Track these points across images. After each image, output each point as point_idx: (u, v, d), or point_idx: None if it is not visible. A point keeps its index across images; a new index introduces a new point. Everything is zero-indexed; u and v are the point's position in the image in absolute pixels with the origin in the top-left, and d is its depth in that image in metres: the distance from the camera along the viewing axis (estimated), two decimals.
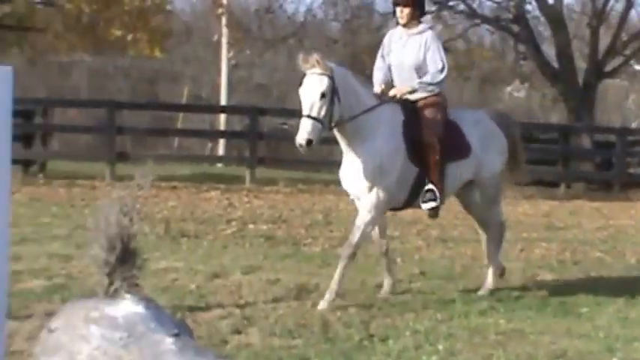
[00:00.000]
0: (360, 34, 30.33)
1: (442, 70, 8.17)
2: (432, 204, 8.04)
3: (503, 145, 8.67)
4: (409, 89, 8.17)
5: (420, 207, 8.18)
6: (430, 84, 8.15)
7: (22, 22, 23.46)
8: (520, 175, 9.25)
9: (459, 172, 8.29)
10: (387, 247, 8.43)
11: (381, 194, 7.88)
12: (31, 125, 19.55)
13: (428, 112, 8.15)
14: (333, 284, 7.64)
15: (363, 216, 7.89)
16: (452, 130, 8.24)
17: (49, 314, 5.74)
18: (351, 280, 8.33)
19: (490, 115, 8.95)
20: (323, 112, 7.63)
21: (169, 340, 3.86)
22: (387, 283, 8.31)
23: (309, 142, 7.50)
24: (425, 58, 8.19)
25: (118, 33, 22.17)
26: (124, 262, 4.30)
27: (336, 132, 7.89)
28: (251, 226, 12.40)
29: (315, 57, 7.68)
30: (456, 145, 8.22)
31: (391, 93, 8.23)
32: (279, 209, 14.62)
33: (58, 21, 22.69)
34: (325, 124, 7.66)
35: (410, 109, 8.15)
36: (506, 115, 9.53)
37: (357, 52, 29.94)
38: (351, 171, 7.94)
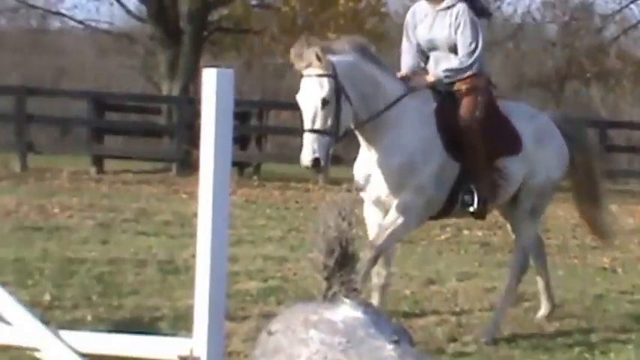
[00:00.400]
0: (579, 37, 29.52)
1: (474, 52, 6.80)
2: (470, 208, 6.69)
3: (564, 149, 7.25)
4: (438, 78, 6.84)
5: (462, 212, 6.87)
6: (459, 70, 6.80)
7: (239, 24, 24.09)
8: (595, 209, 7.60)
9: (512, 169, 6.90)
10: (387, 281, 6.80)
11: (413, 195, 6.52)
12: (247, 127, 20.02)
13: (465, 96, 6.81)
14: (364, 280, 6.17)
15: (392, 217, 6.54)
16: (498, 118, 6.92)
17: (265, 316, 5.84)
18: (569, 290, 8.07)
19: (552, 116, 7.53)
20: (329, 123, 6.29)
21: (389, 347, 3.80)
22: None
23: (315, 162, 6.19)
24: (456, 37, 6.85)
25: (333, 35, 22.43)
26: (343, 266, 4.28)
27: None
28: (466, 232, 12.27)
29: (312, 51, 6.26)
30: (503, 136, 6.88)
31: (422, 79, 6.91)
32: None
33: (274, 23, 23.14)
34: (334, 135, 6.31)
35: (444, 94, 6.84)
36: (577, 121, 7.89)
37: (576, 55, 29.23)
38: (372, 170, 6.59)
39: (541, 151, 7.06)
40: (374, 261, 6.47)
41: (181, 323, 6.16)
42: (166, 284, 7.96)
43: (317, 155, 6.16)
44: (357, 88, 6.42)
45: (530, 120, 7.13)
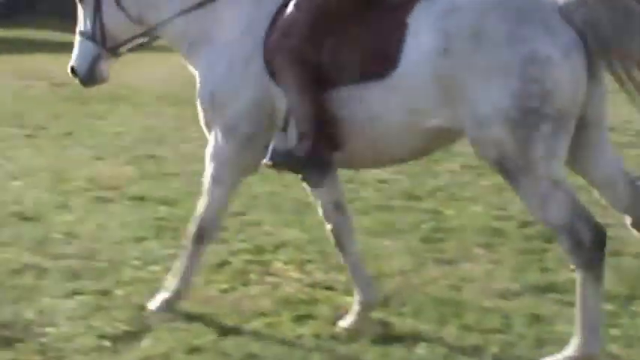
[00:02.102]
0: None
1: None
2: (267, 160, 4.59)
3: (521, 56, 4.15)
4: None
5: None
6: None
7: None
8: None
9: (370, 104, 4.45)
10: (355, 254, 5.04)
11: (221, 137, 4.79)
12: None
13: None
14: (173, 278, 4.96)
15: (206, 172, 4.88)
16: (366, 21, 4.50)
17: None
18: None
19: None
20: (89, 24, 5.06)
21: None
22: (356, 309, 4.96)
23: (71, 70, 5.11)
24: None
25: None
26: None
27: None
28: None
29: None
30: (361, 55, 4.46)
31: None
32: None
33: None
34: (99, 41, 5.05)
35: None
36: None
37: None
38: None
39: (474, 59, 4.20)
40: (198, 241, 4.89)
41: None
42: None
43: (72, 63, 5.09)
44: None
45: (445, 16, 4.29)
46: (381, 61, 4.33)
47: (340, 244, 4.95)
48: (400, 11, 4.34)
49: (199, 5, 4.86)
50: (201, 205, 4.84)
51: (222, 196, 4.81)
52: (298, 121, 4.48)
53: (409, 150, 4.52)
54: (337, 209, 4.94)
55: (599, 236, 4.11)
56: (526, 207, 4.31)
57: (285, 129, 4.57)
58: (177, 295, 4.90)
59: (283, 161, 4.53)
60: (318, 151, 4.45)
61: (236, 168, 4.77)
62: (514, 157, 4.12)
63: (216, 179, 4.77)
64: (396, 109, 4.33)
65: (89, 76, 5.07)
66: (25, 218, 6.82)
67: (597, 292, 4.13)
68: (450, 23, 4.21)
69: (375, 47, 4.35)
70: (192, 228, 4.84)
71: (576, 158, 4.33)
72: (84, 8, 5.05)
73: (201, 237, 4.83)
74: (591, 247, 4.09)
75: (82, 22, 5.06)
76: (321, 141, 4.45)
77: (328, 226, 4.96)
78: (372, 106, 4.38)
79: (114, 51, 5.10)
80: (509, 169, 4.16)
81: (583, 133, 4.26)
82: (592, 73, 4.17)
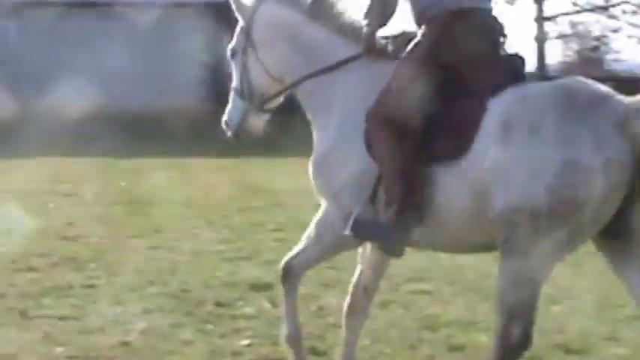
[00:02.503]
0: None
1: None
2: (348, 230, 4.58)
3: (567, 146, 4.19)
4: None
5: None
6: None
7: None
8: None
9: (446, 185, 4.44)
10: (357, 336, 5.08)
11: (330, 205, 4.78)
12: None
13: (397, 65, 4.68)
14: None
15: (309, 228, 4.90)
16: (451, 101, 4.48)
17: None
18: None
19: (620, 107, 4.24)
20: (239, 80, 5.20)
21: None
22: None
23: (225, 124, 5.22)
24: None
25: None
26: None
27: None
28: None
29: None
30: (443, 134, 4.46)
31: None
32: None
33: None
34: (247, 97, 5.16)
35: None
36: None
37: None
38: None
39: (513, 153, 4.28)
40: (285, 283, 4.96)
41: None
42: None
43: (225, 117, 5.24)
44: (275, 45, 5.10)
45: (519, 103, 4.34)
46: (456, 142, 4.39)
47: (350, 318, 5.03)
48: (485, 96, 4.40)
49: (322, 71, 4.94)
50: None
51: (320, 255, 4.91)
52: (387, 188, 4.52)
53: (480, 237, 4.46)
54: (367, 291, 5.03)
55: (525, 342, 4.29)
56: (499, 279, 4.36)
57: (372, 199, 4.60)
58: None
59: (366, 230, 4.58)
60: (403, 219, 4.47)
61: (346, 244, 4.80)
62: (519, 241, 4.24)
63: (316, 238, 4.82)
64: (464, 194, 4.40)
65: (238, 130, 5.19)
66: (568, 350, 5.99)
67: None
68: (512, 113, 4.31)
69: (456, 128, 4.40)
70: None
71: (617, 266, 4.39)
72: (235, 66, 5.24)
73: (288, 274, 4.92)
74: (516, 345, 4.29)
75: (235, 79, 5.24)
76: (406, 210, 4.46)
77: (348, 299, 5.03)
78: (445, 188, 4.44)
79: (261, 107, 5.20)
80: (508, 247, 4.28)
81: (623, 243, 4.30)
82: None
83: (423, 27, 4.65)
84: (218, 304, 6.65)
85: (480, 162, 4.33)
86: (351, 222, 4.58)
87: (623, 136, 4.14)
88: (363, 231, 4.60)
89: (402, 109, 4.50)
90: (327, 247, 4.88)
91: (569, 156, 4.14)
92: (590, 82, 4.36)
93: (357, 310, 5.06)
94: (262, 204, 11.03)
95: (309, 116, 5.07)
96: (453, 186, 4.42)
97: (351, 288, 5.07)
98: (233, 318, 6.36)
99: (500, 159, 4.27)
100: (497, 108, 4.35)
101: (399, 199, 4.48)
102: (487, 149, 4.31)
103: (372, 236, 4.65)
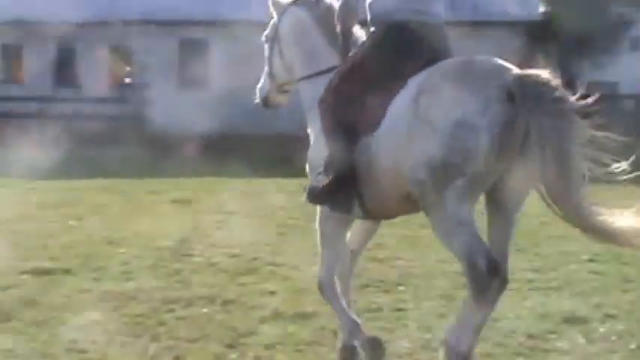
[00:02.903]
0: None
1: None
2: (304, 199, 5.57)
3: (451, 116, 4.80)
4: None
5: None
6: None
7: None
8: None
9: (372, 152, 5.20)
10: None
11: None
12: None
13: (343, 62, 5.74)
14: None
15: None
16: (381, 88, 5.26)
17: None
18: None
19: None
20: (267, 63, 6.37)
21: None
22: None
23: (256, 93, 6.48)
24: None
25: None
26: None
27: None
28: None
29: None
30: (372, 110, 5.28)
31: None
32: None
33: None
34: (271, 78, 6.35)
35: None
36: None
37: None
38: None
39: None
40: (324, 297, 5.87)
41: None
42: None
43: (257, 88, 6.44)
44: (291, 44, 6.14)
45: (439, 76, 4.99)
46: (380, 113, 5.14)
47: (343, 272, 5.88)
48: (407, 78, 5.13)
49: (314, 75, 5.87)
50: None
51: (331, 255, 5.71)
52: (330, 160, 5.38)
53: (404, 198, 5.10)
54: (354, 253, 5.95)
55: (494, 269, 4.81)
56: (436, 234, 5.01)
57: (324, 172, 5.45)
58: None
59: (317, 197, 5.42)
60: (336, 186, 5.29)
61: (331, 221, 5.63)
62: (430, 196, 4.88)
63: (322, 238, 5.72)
64: (386, 158, 5.11)
65: (263, 102, 6.44)
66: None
67: (485, 316, 5.00)
68: (423, 82, 4.99)
69: (380, 104, 5.15)
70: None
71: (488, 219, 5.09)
72: (266, 51, 6.33)
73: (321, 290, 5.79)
74: (486, 277, 4.80)
75: (265, 61, 6.35)
76: (339, 179, 5.27)
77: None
78: (372, 154, 5.15)
79: (279, 89, 6.37)
80: (425, 205, 4.97)
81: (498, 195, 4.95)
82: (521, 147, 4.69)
83: (372, 30, 5.52)
84: (529, 336, 6.50)
85: (396, 128, 5.03)
86: (305, 192, 5.49)
87: (508, 101, 4.71)
88: (314, 198, 5.48)
89: (338, 97, 5.44)
90: (329, 239, 5.71)
91: (459, 116, 4.77)
92: (493, 58, 5.00)
93: (345, 276, 5.99)
94: (577, 232, 10.66)
95: (305, 114, 5.94)
96: (377, 152, 5.15)
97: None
98: (545, 352, 6.20)
99: (410, 122, 4.94)
100: (413, 82, 5.08)
101: (338, 168, 5.31)
102: (402, 116, 5.01)
103: (322, 200, 5.50)
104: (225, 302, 7.52)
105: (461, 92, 4.82)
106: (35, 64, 32.43)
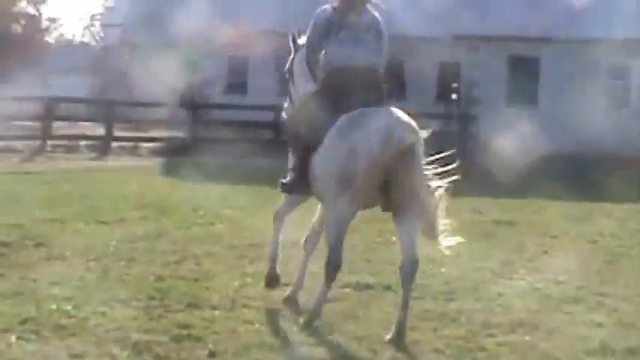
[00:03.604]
0: None
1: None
2: (282, 190, 8.25)
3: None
4: None
5: None
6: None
7: None
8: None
9: (315, 162, 7.66)
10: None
11: None
12: None
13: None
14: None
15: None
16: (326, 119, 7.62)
17: None
18: None
19: None
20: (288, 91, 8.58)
21: None
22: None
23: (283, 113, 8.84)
24: None
25: None
26: None
27: None
28: None
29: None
30: (317, 135, 7.70)
31: None
32: None
33: None
34: (292, 104, 8.43)
35: None
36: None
37: None
38: None
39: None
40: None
41: None
42: None
43: (283, 109, 8.74)
44: (297, 77, 8.29)
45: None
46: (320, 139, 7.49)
47: (306, 245, 8.29)
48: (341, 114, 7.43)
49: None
50: None
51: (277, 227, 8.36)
52: (294, 165, 7.91)
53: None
54: (319, 227, 8.19)
55: (337, 263, 7.32)
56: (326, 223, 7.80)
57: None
58: None
59: (285, 187, 8.02)
60: (296, 182, 7.84)
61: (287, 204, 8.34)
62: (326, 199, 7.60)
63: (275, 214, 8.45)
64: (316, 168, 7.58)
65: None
66: None
67: (325, 292, 7.46)
68: (341, 121, 7.38)
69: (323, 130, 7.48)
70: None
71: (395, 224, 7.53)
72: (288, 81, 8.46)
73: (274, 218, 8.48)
74: (333, 265, 7.32)
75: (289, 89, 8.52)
76: (301, 174, 7.73)
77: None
78: (315, 163, 7.58)
79: None
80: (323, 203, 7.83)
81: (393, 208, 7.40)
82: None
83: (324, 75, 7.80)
84: None
85: (324, 150, 7.41)
86: (279, 186, 8.06)
87: (384, 138, 7.06)
88: (284, 188, 8.02)
89: (295, 126, 7.98)
90: (280, 214, 8.30)
91: (349, 146, 7.17)
92: (388, 108, 7.38)
93: (311, 240, 8.26)
94: None
95: None
96: (316, 162, 7.51)
97: (310, 227, 8.27)
98: None
99: (326, 145, 7.40)
100: (341, 119, 7.35)
101: (297, 170, 7.77)
102: (326, 141, 7.39)
103: (289, 189, 7.98)
104: (549, 331, 7.36)
105: (354, 129, 7.22)
106: None
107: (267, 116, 27.71)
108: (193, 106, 31.06)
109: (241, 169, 20.71)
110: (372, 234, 11.57)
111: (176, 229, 11.61)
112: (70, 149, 27.25)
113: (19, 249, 9.86)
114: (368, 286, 8.75)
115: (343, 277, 8.85)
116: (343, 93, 7.53)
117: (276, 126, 26.75)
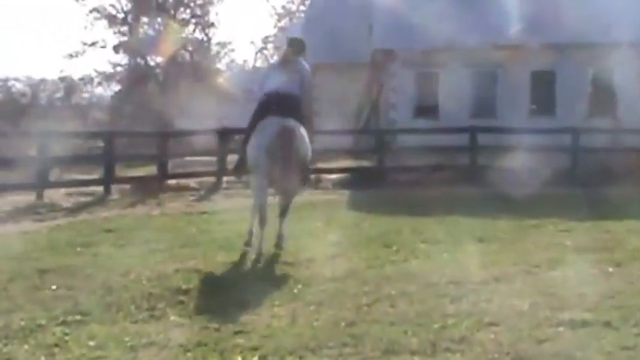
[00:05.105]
0: None
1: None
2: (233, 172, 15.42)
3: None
4: None
5: None
6: None
7: None
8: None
9: None
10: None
11: None
12: None
13: None
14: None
15: None
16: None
17: None
18: None
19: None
20: None
21: None
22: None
23: None
24: None
25: None
26: None
27: None
28: None
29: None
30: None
31: None
32: None
33: None
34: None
35: None
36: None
37: None
38: None
39: None
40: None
41: None
42: None
43: None
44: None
45: None
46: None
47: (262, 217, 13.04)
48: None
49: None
50: None
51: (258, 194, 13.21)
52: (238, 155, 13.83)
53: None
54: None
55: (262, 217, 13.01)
56: None
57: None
58: None
59: (231, 171, 16.09)
60: (238, 166, 13.65)
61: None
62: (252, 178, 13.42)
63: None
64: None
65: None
66: None
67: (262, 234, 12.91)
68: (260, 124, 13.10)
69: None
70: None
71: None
72: None
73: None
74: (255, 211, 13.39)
75: None
76: (238, 162, 13.64)
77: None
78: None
79: None
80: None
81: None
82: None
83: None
84: None
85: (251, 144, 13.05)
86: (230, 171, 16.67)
87: (275, 139, 12.53)
88: (232, 171, 14.80)
89: (247, 127, 13.29)
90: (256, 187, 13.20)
91: (258, 143, 12.72)
92: (287, 120, 12.76)
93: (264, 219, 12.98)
94: None
95: None
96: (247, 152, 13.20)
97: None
98: None
99: (250, 141, 13.03)
100: (258, 125, 12.90)
101: (239, 157, 13.53)
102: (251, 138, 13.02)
103: (234, 171, 14.13)
104: None
105: (263, 132, 12.70)
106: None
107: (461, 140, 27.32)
108: (379, 132, 30.93)
109: (435, 199, 20.61)
110: (584, 265, 11.33)
111: (367, 268, 11.62)
112: (247, 184, 27.38)
113: (199, 296, 10.09)
114: (584, 323, 8.54)
115: (555, 314, 8.67)
116: (265, 108, 12.92)
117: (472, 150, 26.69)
